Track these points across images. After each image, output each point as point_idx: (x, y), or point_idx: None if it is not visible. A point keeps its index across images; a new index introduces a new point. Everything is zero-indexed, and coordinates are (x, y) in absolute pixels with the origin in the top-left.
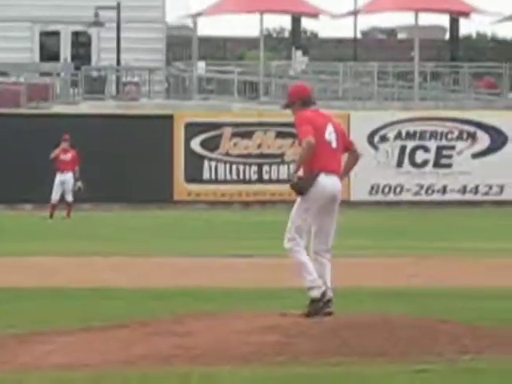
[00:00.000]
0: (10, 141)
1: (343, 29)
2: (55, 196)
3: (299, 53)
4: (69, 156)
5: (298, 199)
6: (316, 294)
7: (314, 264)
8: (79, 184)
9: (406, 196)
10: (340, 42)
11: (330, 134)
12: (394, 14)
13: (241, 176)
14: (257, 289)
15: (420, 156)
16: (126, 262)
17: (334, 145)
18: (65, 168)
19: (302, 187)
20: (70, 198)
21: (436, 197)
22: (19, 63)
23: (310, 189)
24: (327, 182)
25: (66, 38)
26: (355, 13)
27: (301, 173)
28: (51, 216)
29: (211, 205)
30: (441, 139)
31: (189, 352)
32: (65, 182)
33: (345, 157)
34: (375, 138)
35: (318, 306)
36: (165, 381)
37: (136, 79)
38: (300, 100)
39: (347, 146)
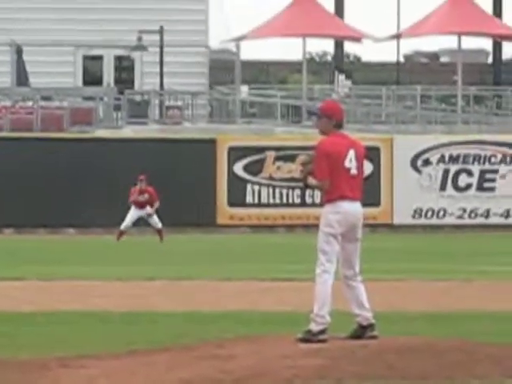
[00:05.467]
0: (53, 165)
1: (386, 52)
2: (127, 223)
3: (342, 77)
4: (145, 197)
5: (321, 226)
6: (314, 327)
7: (346, 290)
8: (149, 210)
9: (449, 220)
10: (383, 65)
11: (350, 161)
12: (437, 38)
13: (284, 200)
14: (299, 312)
15: (463, 180)
16: (170, 286)
17: (353, 171)
18: (142, 206)
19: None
20: (159, 225)
21: (479, 220)
22: (62, 87)
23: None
24: (349, 209)
25: (108, 62)
26: (398, 36)
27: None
28: (118, 239)
29: (254, 228)
30: (484, 163)
31: (232, 376)
32: (142, 215)
33: None
34: (418, 161)
35: (310, 338)
36: None
37: (179, 103)
38: (335, 120)
39: None
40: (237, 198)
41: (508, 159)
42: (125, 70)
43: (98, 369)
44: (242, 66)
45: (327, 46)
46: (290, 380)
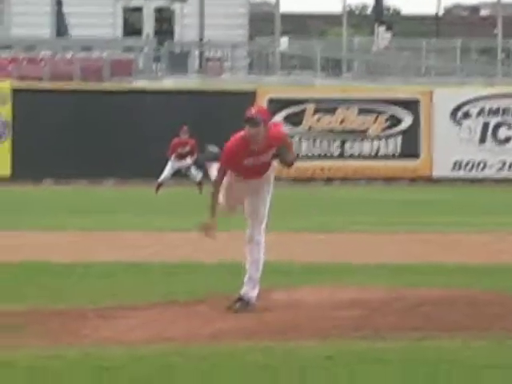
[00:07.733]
0: (93, 116)
1: (426, 5)
2: (165, 175)
3: (382, 28)
4: (187, 149)
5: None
6: (254, 293)
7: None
8: (188, 162)
9: (489, 172)
10: (423, 18)
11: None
12: None
13: (323, 151)
14: (336, 264)
15: (503, 132)
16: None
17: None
18: (182, 158)
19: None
20: (198, 177)
21: None
22: (102, 39)
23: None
24: None
25: (148, 14)
26: None
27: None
28: (156, 192)
29: (293, 180)
30: None
31: (270, 327)
32: (182, 167)
33: None
34: (458, 114)
35: (250, 304)
36: (249, 356)
37: (219, 54)
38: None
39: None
40: None
41: None
42: (164, 21)
43: (136, 319)
44: (282, 19)
45: None
46: (326, 331)
